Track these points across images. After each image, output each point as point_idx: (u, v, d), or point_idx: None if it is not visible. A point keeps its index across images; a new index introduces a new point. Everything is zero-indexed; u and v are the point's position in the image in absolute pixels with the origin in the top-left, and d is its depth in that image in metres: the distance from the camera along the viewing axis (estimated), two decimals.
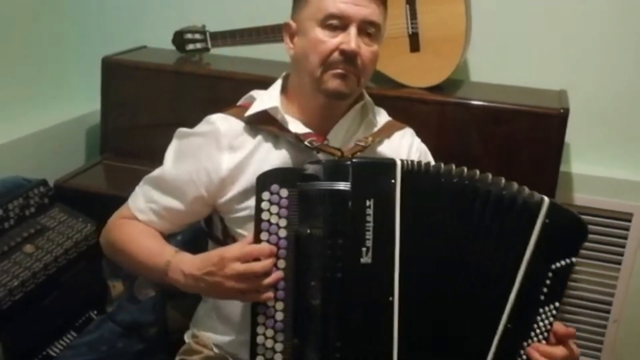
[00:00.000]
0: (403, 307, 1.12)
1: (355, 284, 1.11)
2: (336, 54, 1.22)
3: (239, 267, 1.11)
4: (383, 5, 1.27)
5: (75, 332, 1.82)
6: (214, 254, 1.16)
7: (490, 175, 1.18)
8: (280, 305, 1.14)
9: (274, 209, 1.13)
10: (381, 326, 1.13)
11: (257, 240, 1.13)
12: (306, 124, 1.30)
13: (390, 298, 1.12)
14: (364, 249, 1.10)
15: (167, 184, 1.31)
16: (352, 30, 1.21)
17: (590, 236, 2.03)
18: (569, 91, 1.96)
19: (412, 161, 1.17)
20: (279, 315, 1.14)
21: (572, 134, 1.99)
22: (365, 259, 1.10)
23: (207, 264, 1.15)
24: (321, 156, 1.25)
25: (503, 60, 2.08)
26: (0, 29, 2.18)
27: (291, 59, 1.31)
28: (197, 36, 2.16)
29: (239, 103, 1.37)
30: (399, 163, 1.15)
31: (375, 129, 1.37)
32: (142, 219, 1.32)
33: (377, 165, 1.18)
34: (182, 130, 1.33)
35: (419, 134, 1.47)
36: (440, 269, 1.15)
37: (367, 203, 1.11)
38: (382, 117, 1.43)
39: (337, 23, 1.21)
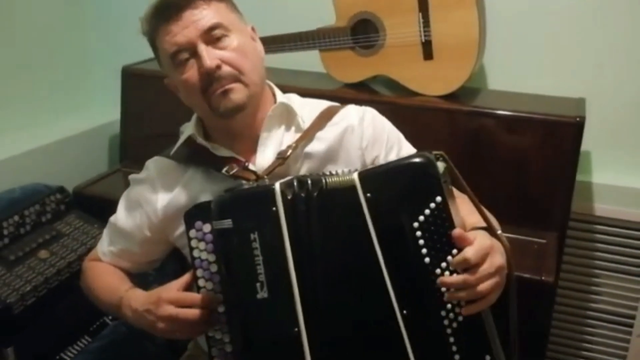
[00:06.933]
0: (312, 335, 1.08)
1: (258, 321, 1.09)
2: (204, 79, 1.19)
3: (172, 310, 1.13)
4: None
5: (89, 337, 1.84)
6: (154, 293, 1.18)
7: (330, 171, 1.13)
8: (227, 337, 1.14)
9: (202, 245, 1.14)
10: (294, 358, 1.09)
11: (194, 276, 1.15)
12: (231, 148, 1.29)
13: (296, 329, 1.08)
14: (257, 284, 1.07)
15: (120, 229, 1.38)
16: (200, 49, 1.17)
17: (612, 248, 2.00)
18: (589, 98, 1.91)
19: (292, 180, 1.10)
20: (228, 347, 1.15)
21: (593, 143, 1.96)
22: (262, 294, 1.08)
23: (148, 301, 1.18)
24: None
25: (521, 67, 2.04)
26: (23, 39, 2.25)
27: None
28: None
29: None
30: (277, 188, 1.09)
31: (305, 128, 1.30)
32: (105, 261, 1.41)
33: (254, 196, 1.13)
34: (131, 178, 1.40)
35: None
36: (335, 287, 1.09)
37: (252, 237, 1.08)
38: (312, 111, 1.34)
39: (186, 56, 1.19)
